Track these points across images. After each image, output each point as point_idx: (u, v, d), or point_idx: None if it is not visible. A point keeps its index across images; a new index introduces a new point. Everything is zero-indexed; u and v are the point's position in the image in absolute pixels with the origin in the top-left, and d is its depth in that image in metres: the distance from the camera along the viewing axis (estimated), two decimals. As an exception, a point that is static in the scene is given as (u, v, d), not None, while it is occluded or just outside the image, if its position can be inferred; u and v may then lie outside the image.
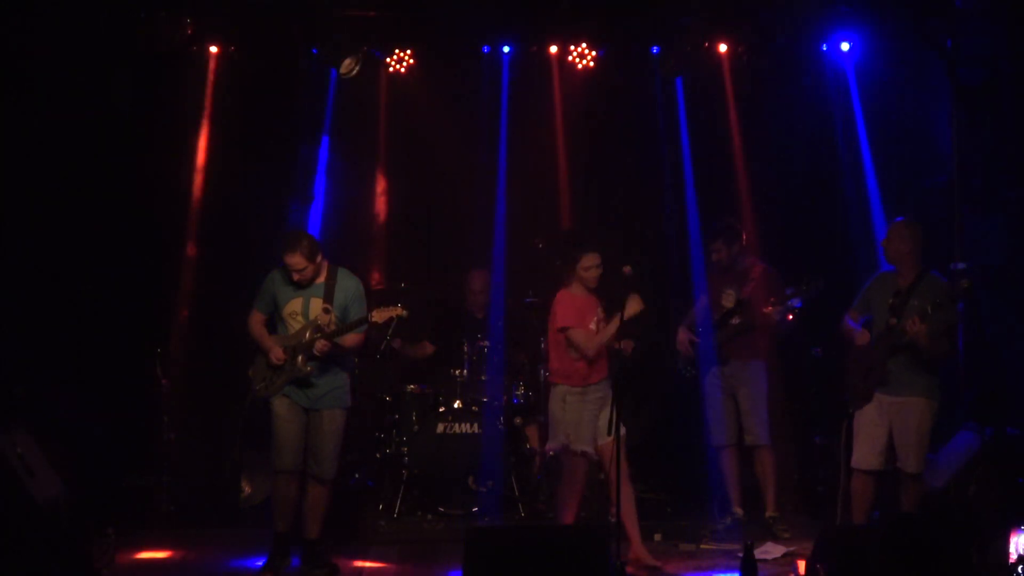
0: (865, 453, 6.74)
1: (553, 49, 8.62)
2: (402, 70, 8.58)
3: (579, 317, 6.67)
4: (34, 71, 7.61)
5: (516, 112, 8.87)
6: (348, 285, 6.68)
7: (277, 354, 6.55)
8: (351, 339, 6.62)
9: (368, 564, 6.93)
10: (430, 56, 8.66)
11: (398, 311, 6.55)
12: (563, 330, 6.65)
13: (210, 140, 8.58)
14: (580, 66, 8.61)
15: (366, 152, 8.90)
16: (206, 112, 8.58)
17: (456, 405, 7.90)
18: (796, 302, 7.31)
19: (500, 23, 8.48)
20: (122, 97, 8.08)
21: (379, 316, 6.53)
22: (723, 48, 8.51)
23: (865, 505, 6.79)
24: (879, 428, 6.72)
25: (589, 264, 6.68)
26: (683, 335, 7.73)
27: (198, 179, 8.55)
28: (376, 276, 8.83)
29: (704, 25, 8.27)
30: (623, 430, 6.61)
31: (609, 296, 6.69)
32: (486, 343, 8.14)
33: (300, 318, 6.62)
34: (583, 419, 6.66)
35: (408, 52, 8.52)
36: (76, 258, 8.37)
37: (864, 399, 6.75)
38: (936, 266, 6.82)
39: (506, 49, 8.66)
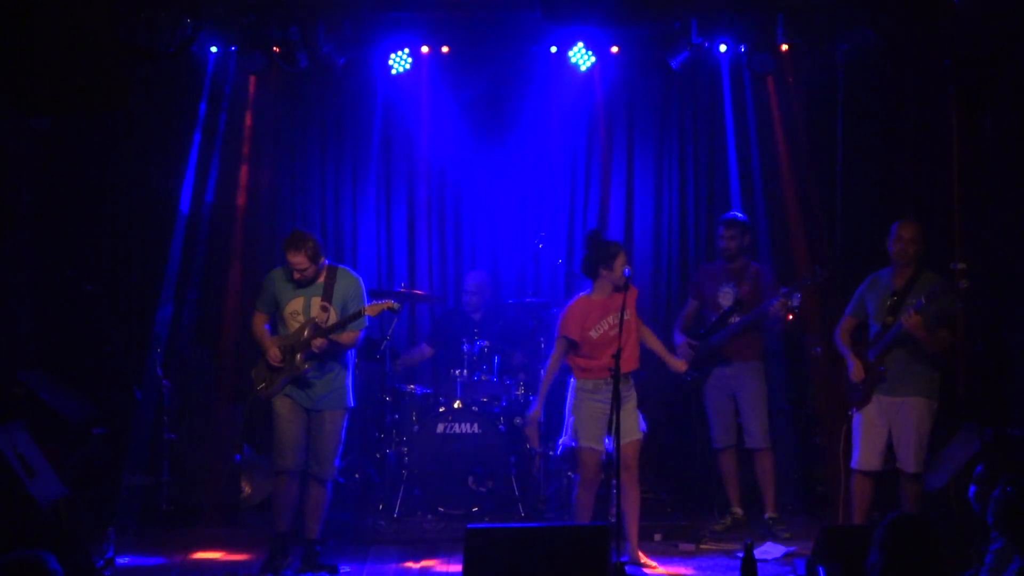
0: (866, 454, 6.74)
1: (553, 49, 8.61)
2: (402, 69, 8.57)
3: (578, 321, 6.68)
4: (33, 70, 7.60)
5: (517, 111, 8.87)
6: (349, 283, 6.70)
7: (274, 355, 6.56)
8: (348, 336, 6.62)
9: (368, 564, 6.94)
10: (430, 56, 8.65)
11: (390, 304, 6.59)
12: (558, 339, 6.78)
13: (212, 141, 8.57)
14: (583, 66, 8.60)
15: (367, 150, 8.89)
16: (208, 112, 8.57)
17: (456, 405, 7.90)
18: (796, 299, 7.32)
19: (497, 24, 8.48)
20: (123, 96, 8.06)
21: (372, 310, 6.56)
22: (723, 48, 8.50)
23: (865, 506, 6.79)
24: (879, 429, 6.72)
25: (624, 263, 6.69)
26: (683, 342, 7.71)
27: (201, 179, 8.54)
28: (372, 276, 8.82)
29: (703, 25, 8.27)
30: (639, 435, 6.64)
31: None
32: (486, 343, 8.15)
33: (301, 317, 6.63)
34: (590, 416, 6.67)
35: (407, 51, 8.51)
36: (77, 258, 8.38)
37: (864, 400, 6.75)
38: (936, 266, 6.82)
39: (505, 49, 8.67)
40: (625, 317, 6.51)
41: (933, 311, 6.47)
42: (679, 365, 6.92)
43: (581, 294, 6.81)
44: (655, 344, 6.93)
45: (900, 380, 6.65)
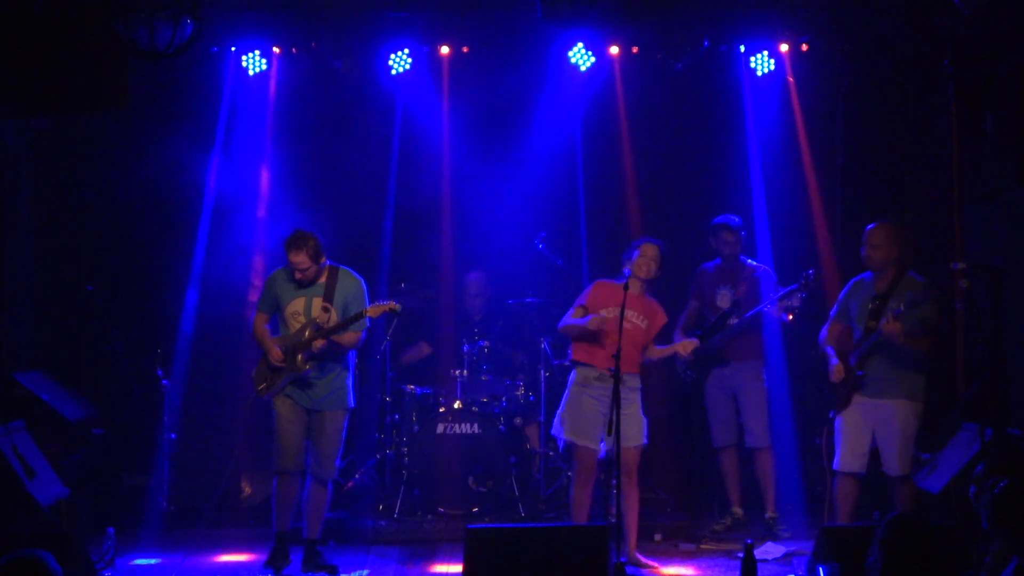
0: (846, 455, 6.74)
1: (553, 49, 8.60)
2: (402, 70, 8.57)
3: (597, 297, 6.77)
4: (33, 70, 7.61)
5: (517, 111, 8.87)
6: (349, 285, 6.71)
7: (276, 355, 6.57)
8: (349, 337, 6.63)
9: (368, 564, 6.94)
10: (429, 57, 8.66)
11: (392, 306, 6.60)
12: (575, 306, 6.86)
13: (212, 141, 8.57)
14: (583, 66, 8.59)
15: (367, 151, 8.89)
16: (207, 113, 8.57)
17: (456, 405, 7.90)
18: (796, 299, 7.32)
19: (497, 24, 8.48)
20: (123, 96, 8.06)
21: (374, 311, 6.57)
22: (724, 48, 8.50)
23: (848, 507, 6.78)
24: (861, 430, 6.70)
25: (648, 253, 6.73)
26: (682, 339, 7.72)
27: (200, 180, 8.54)
28: (376, 275, 8.81)
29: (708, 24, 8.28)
30: (640, 441, 6.63)
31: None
32: (487, 343, 8.15)
33: (302, 318, 6.64)
34: (584, 412, 6.68)
35: (407, 52, 8.51)
36: (77, 258, 8.38)
37: (842, 404, 6.75)
38: (936, 266, 6.82)
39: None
40: (636, 321, 6.52)
41: (914, 317, 6.48)
42: (687, 346, 6.87)
43: (610, 280, 6.86)
44: (659, 353, 6.90)
45: (883, 383, 6.64)
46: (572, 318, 6.80)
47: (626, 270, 6.57)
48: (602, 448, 6.67)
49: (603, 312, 6.71)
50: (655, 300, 6.88)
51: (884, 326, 6.45)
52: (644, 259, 6.74)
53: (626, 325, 6.54)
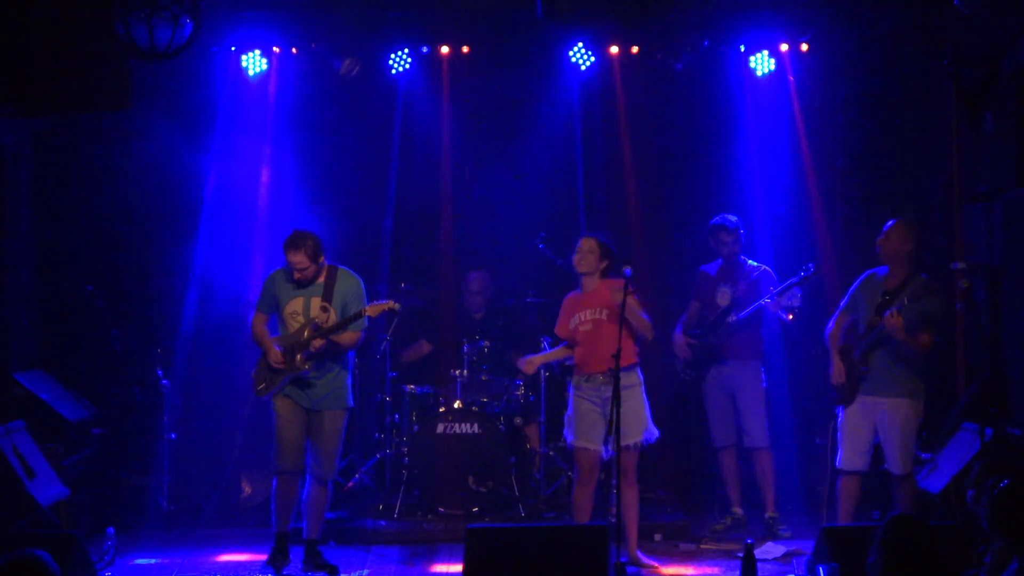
0: (848, 454, 6.73)
1: (553, 49, 8.60)
2: (401, 70, 8.58)
3: (563, 317, 6.93)
4: (33, 71, 7.61)
5: (517, 111, 8.87)
6: (348, 284, 6.71)
7: (276, 356, 6.57)
8: (348, 337, 6.63)
9: (368, 564, 6.94)
10: (429, 57, 8.66)
11: (391, 305, 6.61)
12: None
13: (211, 142, 8.57)
14: (583, 66, 8.60)
15: (367, 151, 8.90)
16: (206, 113, 8.57)
17: (456, 405, 7.90)
18: (796, 299, 7.33)
19: (497, 24, 8.48)
20: (123, 96, 8.07)
21: (372, 311, 6.58)
22: (723, 48, 8.50)
23: (850, 505, 6.77)
24: (863, 428, 6.70)
25: (583, 247, 6.83)
26: (680, 338, 7.74)
27: (199, 180, 8.54)
28: (376, 275, 8.82)
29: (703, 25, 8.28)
30: (633, 440, 6.63)
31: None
32: (487, 343, 8.15)
33: (301, 318, 6.64)
34: (581, 414, 6.71)
35: (406, 52, 8.51)
36: (77, 258, 8.38)
37: (847, 399, 6.75)
38: (936, 266, 6.81)
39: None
40: (596, 316, 6.66)
41: (915, 312, 6.47)
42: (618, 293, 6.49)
43: (573, 292, 6.97)
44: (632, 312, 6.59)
45: (884, 380, 6.63)
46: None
47: (626, 270, 6.52)
48: (604, 449, 6.66)
49: (571, 321, 6.84)
50: (608, 280, 6.76)
51: (887, 319, 6.45)
52: (579, 254, 6.82)
53: (584, 328, 6.74)
